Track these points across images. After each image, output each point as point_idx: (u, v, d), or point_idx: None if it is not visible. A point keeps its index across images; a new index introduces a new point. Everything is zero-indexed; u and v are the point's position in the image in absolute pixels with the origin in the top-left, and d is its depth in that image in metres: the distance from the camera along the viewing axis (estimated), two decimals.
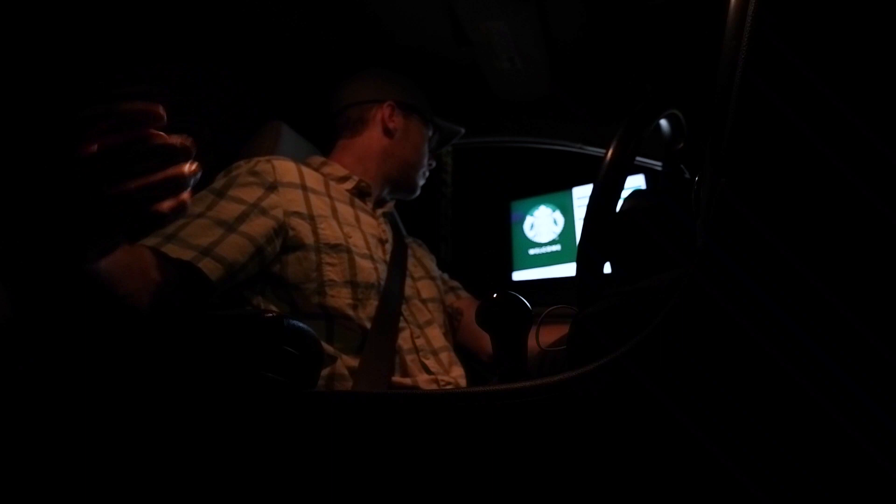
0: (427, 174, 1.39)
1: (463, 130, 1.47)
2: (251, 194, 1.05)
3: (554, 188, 1.88)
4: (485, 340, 1.29)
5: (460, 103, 1.56)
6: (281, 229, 1.05)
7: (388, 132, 1.30)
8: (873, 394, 0.53)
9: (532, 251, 1.88)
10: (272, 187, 1.08)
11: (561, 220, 1.86)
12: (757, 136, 0.56)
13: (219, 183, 1.06)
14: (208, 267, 0.93)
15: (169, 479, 0.75)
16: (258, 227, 1.02)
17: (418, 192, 1.38)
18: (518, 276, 1.91)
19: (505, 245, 1.94)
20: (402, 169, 1.31)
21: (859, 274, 0.54)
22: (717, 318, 0.57)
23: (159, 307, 0.85)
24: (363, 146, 1.29)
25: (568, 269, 1.80)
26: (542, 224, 1.89)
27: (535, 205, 1.92)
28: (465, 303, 1.36)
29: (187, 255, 0.92)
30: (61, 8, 1.25)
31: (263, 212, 1.04)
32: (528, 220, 1.92)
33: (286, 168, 1.13)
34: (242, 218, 1.01)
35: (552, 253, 1.85)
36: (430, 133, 1.38)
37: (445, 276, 1.41)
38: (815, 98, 0.54)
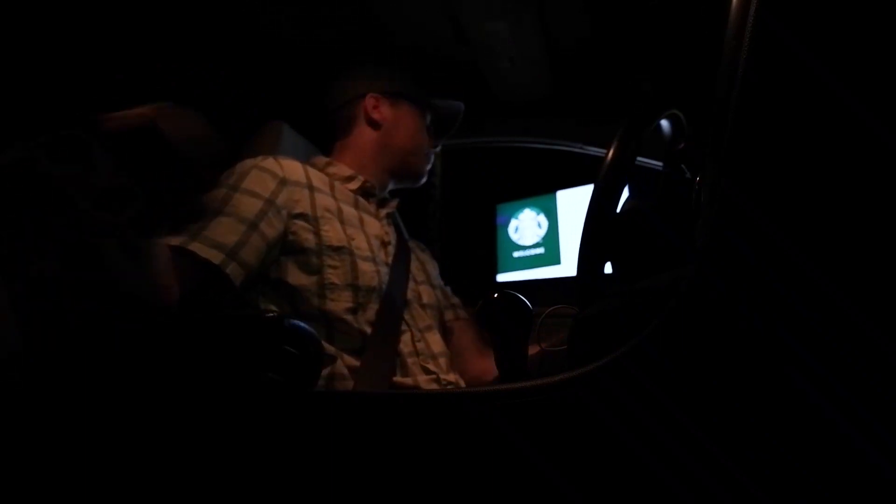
0: (431, 157, 1.34)
1: (462, 105, 1.40)
2: (265, 187, 1.06)
3: (539, 192, 1.90)
4: (470, 364, 1.28)
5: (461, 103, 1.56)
6: (285, 233, 1.06)
7: (376, 125, 1.28)
8: (876, 395, 0.53)
9: (516, 253, 1.91)
10: (283, 182, 1.09)
11: (545, 223, 1.88)
12: (758, 136, 0.56)
13: (230, 178, 1.06)
14: (234, 272, 0.97)
15: (169, 478, 0.75)
16: (273, 229, 1.04)
17: (425, 177, 1.34)
18: (502, 277, 1.92)
19: (491, 247, 1.95)
20: (400, 158, 1.29)
21: (863, 274, 0.54)
22: (717, 318, 0.57)
23: (184, 308, 0.87)
24: (357, 145, 1.28)
25: (550, 272, 1.82)
26: (526, 227, 1.92)
27: (520, 208, 1.94)
28: (461, 325, 1.34)
29: (216, 257, 0.95)
30: (62, 8, 1.25)
31: (277, 211, 1.05)
32: (513, 223, 1.94)
33: (292, 167, 1.14)
34: (261, 216, 1.03)
35: (535, 255, 1.87)
36: (426, 114, 1.33)
37: (448, 289, 1.40)
38: (817, 97, 0.54)
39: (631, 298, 0.69)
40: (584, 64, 1.42)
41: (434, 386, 1.09)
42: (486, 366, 1.25)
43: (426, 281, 1.30)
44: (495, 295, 0.83)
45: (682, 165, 0.90)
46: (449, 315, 1.34)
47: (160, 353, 0.80)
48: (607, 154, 0.80)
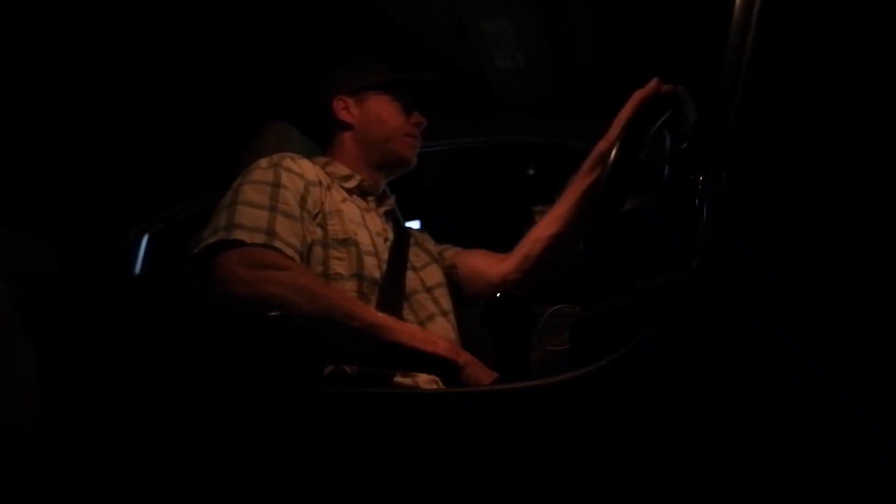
0: (418, 135, 1.31)
1: (435, 75, 1.35)
2: (297, 190, 1.10)
3: None
4: (487, 270, 1.29)
5: (462, 104, 1.56)
6: (308, 235, 1.09)
7: (348, 126, 1.29)
8: (876, 395, 0.53)
9: None
10: (307, 184, 1.12)
11: None
12: (760, 137, 0.56)
13: (266, 175, 1.09)
14: None
15: (171, 475, 0.75)
16: (309, 234, 1.08)
17: (412, 159, 1.31)
18: None
19: None
20: (380, 151, 1.28)
21: (864, 274, 0.54)
22: (718, 318, 0.58)
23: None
24: (342, 148, 1.30)
25: None
26: None
27: None
28: (454, 255, 1.34)
29: (294, 257, 1.03)
30: (63, 9, 1.25)
31: (309, 213, 1.10)
32: None
33: (307, 166, 1.16)
34: (302, 217, 1.08)
35: None
36: (399, 95, 1.30)
37: (440, 245, 1.39)
38: (820, 99, 0.54)
39: (633, 298, 0.69)
40: (586, 63, 1.42)
41: (433, 386, 1.09)
42: (505, 267, 1.27)
43: (429, 261, 1.29)
44: (497, 295, 0.83)
45: (685, 165, 0.90)
46: (447, 263, 1.33)
47: (163, 352, 0.80)
48: (611, 154, 0.80)
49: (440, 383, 1.10)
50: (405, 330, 1.00)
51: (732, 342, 0.57)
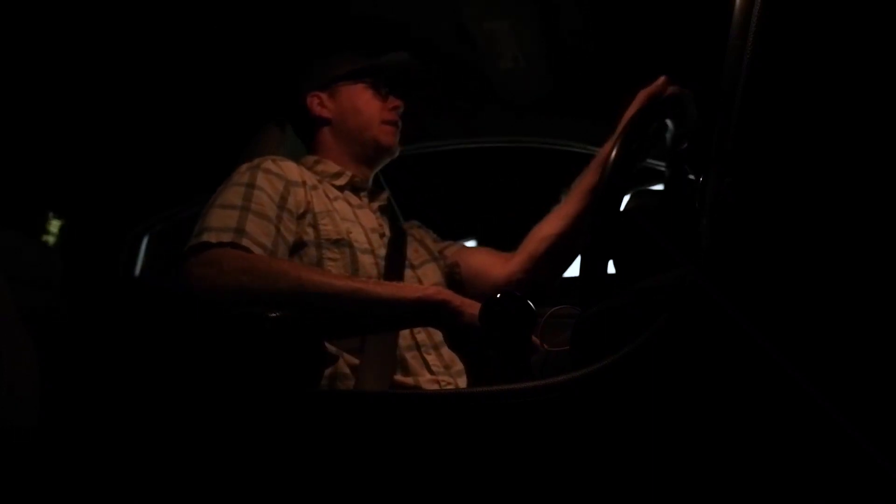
0: (396, 119, 1.28)
1: (403, 54, 1.31)
2: (275, 190, 1.09)
3: None
4: (492, 270, 1.28)
5: (463, 104, 1.55)
6: (295, 232, 1.08)
7: (326, 122, 1.28)
8: (876, 398, 0.53)
9: None
10: (288, 184, 1.11)
11: None
12: (762, 136, 0.56)
13: (242, 177, 1.09)
14: None
15: (172, 475, 0.75)
16: (290, 234, 1.07)
17: (393, 145, 1.28)
18: None
19: None
20: (359, 141, 1.27)
21: (866, 274, 0.54)
22: (720, 318, 0.58)
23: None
24: (325, 145, 1.28)
25: None
26: None
27: None
28: (456, 253, 1.33)
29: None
30: (62, 9, 1.25)
31: (290, 214, 1.09)
32: None
33: (289, 167, 1.15)
34: (279, 220, 1.07)
35: None
36: (370, 81, 1.28)
37: (441, 242, 1.38)
38: (821, 99, 0.54)
39: (634, 298, 0.69)
40: (589, 62, 1.42)
41: (434, 387, 1.09)
42: (511, 267, 1.25)
43: (428, 259, 1.28)
44: (497, 295, 0.83)
45: (686, 166, 0.90)
46: (449, 261, 1.31)
47: (163, 351, 0.80)
48: (611, 153, 0.80)
49: (441, 384, 1.10)
50: (381, 284, 0.96)
51: (734, 343, 0.57)
